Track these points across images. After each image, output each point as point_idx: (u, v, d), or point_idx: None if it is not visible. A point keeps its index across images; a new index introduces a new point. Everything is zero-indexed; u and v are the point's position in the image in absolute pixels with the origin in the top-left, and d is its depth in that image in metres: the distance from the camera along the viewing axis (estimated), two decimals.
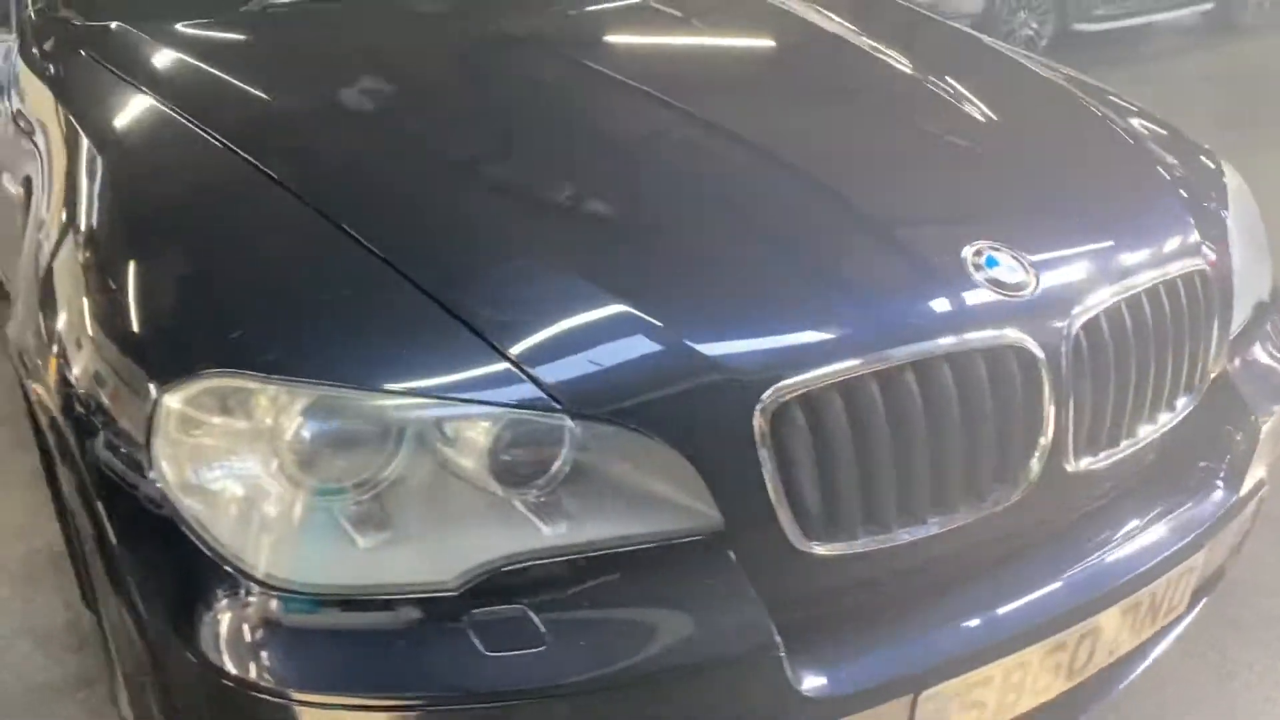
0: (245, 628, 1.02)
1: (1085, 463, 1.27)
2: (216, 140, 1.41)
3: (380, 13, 1.94)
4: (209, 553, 1.03)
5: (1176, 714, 1.77)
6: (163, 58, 1.71)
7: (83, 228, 1.33)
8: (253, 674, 1.01)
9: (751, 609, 1.08)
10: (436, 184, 1.36)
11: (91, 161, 1.44)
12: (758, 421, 1.08)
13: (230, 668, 1.01)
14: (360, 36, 1.84)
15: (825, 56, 1.93)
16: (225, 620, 1.02)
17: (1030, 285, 1.24)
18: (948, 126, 1.61)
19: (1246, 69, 7.28)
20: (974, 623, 1.20)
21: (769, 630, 1.08)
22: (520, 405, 1.04)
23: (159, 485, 1.05)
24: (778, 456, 1.09)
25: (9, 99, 1.88)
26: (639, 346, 1.11)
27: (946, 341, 1.16)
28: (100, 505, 1.14)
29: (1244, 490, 1.44)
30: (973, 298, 1.20)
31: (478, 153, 1.46)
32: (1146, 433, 1.34)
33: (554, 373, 1.06)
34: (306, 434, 1.02)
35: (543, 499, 1.05)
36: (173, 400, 1.05)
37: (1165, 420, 1.36)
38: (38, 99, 1.73)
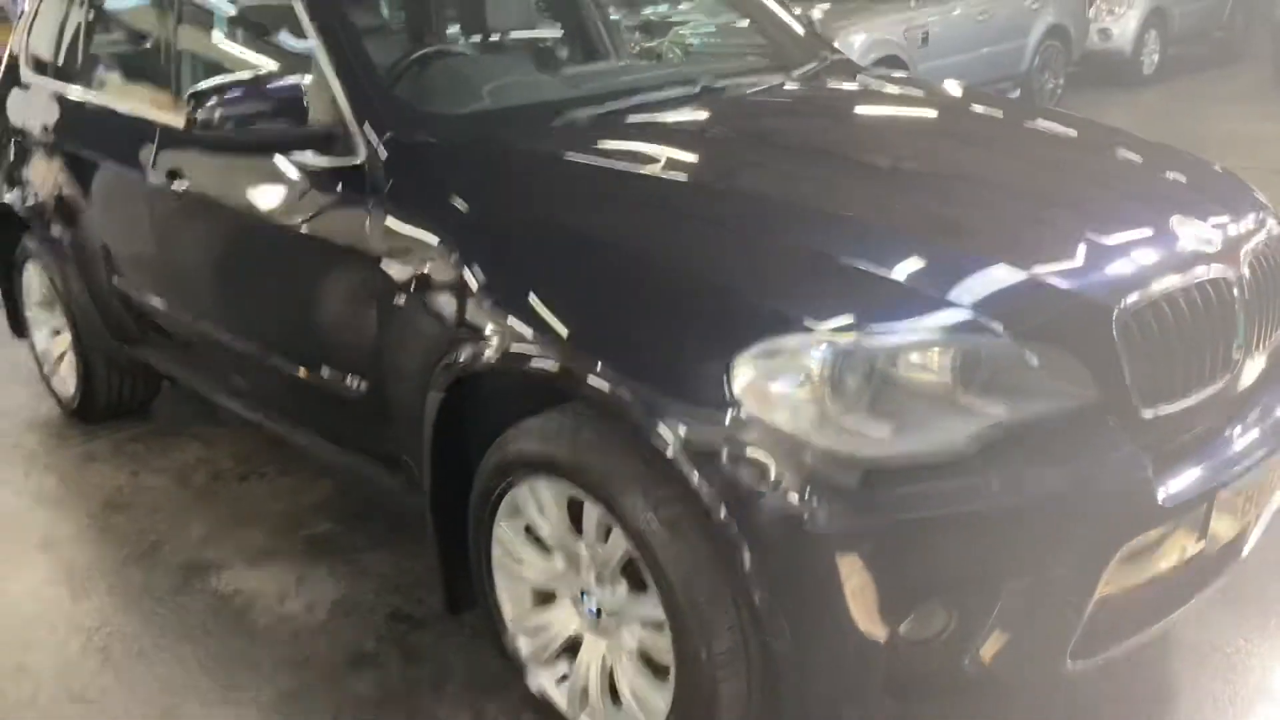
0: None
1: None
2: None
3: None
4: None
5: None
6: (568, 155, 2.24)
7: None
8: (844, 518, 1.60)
9: (1130, 448, 1.70)
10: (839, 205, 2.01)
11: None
12: (1115, 329, 1.72)
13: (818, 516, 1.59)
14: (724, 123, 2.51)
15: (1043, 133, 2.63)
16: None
17: (1217, 240, 1.93)
18: (1124, 173, 2.34)
19: None
20: (1237, 451, 1.86)
21: (1145, 462, 1.70)
22: (966, 330, 1.67)
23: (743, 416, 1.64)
24: (1127, 350, 1.73)
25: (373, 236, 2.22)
26: (1029, 288, 1.74)
27: (1196, 273, 1.84)
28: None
29: None
30: (1194, 248, 1.89)
31: (838, 187, 2.11)
32: None
33: (986, 310, 1.69)
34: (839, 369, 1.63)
35: (984, 395, 1.66)
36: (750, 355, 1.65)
37: None
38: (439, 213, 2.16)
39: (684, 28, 6.20)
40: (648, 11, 8.33)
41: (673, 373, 1.73)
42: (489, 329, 1.98)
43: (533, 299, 1.92)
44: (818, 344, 1.63)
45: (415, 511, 2.40)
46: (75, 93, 3.48)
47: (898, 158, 2.28)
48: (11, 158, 3.83)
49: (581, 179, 2.16)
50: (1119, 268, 1.82)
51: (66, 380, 3.81)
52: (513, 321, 1.94)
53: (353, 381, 2.40)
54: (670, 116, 2.47)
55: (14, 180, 3.81)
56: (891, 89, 2.88)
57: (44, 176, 3.60)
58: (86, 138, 3.36)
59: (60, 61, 3.60)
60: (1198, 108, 8.98)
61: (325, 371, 2.47)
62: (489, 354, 1.97)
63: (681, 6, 8.29)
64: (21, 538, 3.09)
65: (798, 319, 1.66)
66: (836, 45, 3.44)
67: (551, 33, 3.44)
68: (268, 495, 3.24)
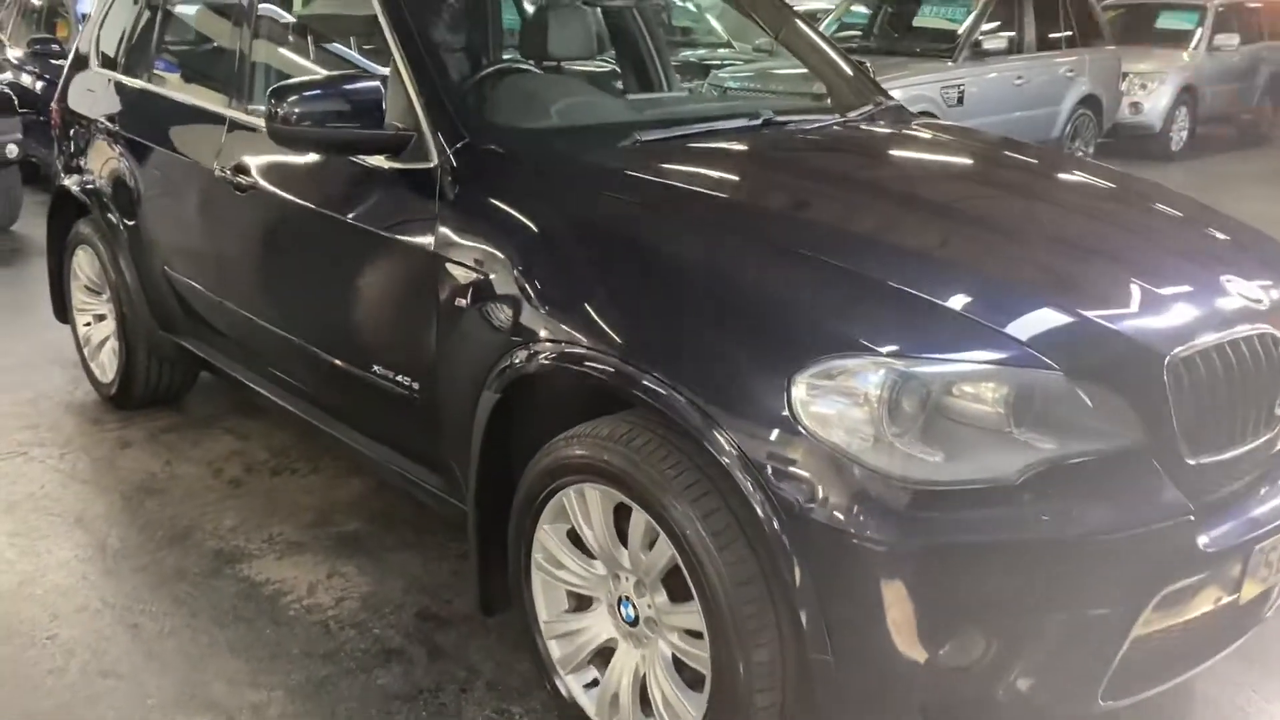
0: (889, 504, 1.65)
1: None
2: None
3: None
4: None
5: None
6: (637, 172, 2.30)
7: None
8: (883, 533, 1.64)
9: (1174, 493, 1.74)
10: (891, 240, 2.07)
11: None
12: (1166, 374, 1.77)
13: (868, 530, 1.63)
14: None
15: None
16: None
17: (1263, 299, 1.99)
18: (1176, 227, 2.40)
19: None
20: (1273, 509, 1.89)
21: (1188, 507, 1.74)
22: (1022, 364, 1.72)
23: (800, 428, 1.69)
24: (1176, 397, 1.77)
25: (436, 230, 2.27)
26: (1084, 328, 1.79)
27: (1241, 329, 1.89)
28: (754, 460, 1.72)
29: None
30: (1241, 304, 1.94)
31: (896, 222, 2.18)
32: None
33: (1041, 346, 1.74)
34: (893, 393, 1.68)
35: (1036, 428, 1.70)
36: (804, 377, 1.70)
37: None
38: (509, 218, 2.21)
39: (748, 68, 6.30)
40: (723, 52, 8.53)
41: (731, 385, 1.78)
42: (547, 334, 2.04)
43: (592, 306, 1.99)
44: (876, 367, 1.68)
45: (450, 515, 2.46)
46: (143, 84, 3.58)
47: (955, 198, 2.35)
48: (74, 145, 3.92)
49: (646, 196, 2.23)
50: (1172, 316, 1.88)
51: (106, 366, 3.87)
52: (570, 327, 2.00)
53: (404, 380, 2.45)
54: (734, 145, 2.54)
55: (74, 167, 3.91)
56: (946, 135, 2.96)
57: (105, 163, 3.69)
58: (151, 127, 3.45)
59: (129, 57, 3.70)
60: (1224, 186, 9.08)
61: (377, 369, 2.53)
62: (545, 356, 2.03)
63: (742, 47, 8.49)
64: (55, 513, 3.14)
65: (858, 341, 1.71)
66: None
67: (612, 63, 3.54)
68: (300, 490, 3.29)
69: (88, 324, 3.99)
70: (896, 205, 2.26)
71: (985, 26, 8.35)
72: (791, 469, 1.69)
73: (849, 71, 3.17)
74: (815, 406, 1.69)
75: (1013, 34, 8.56)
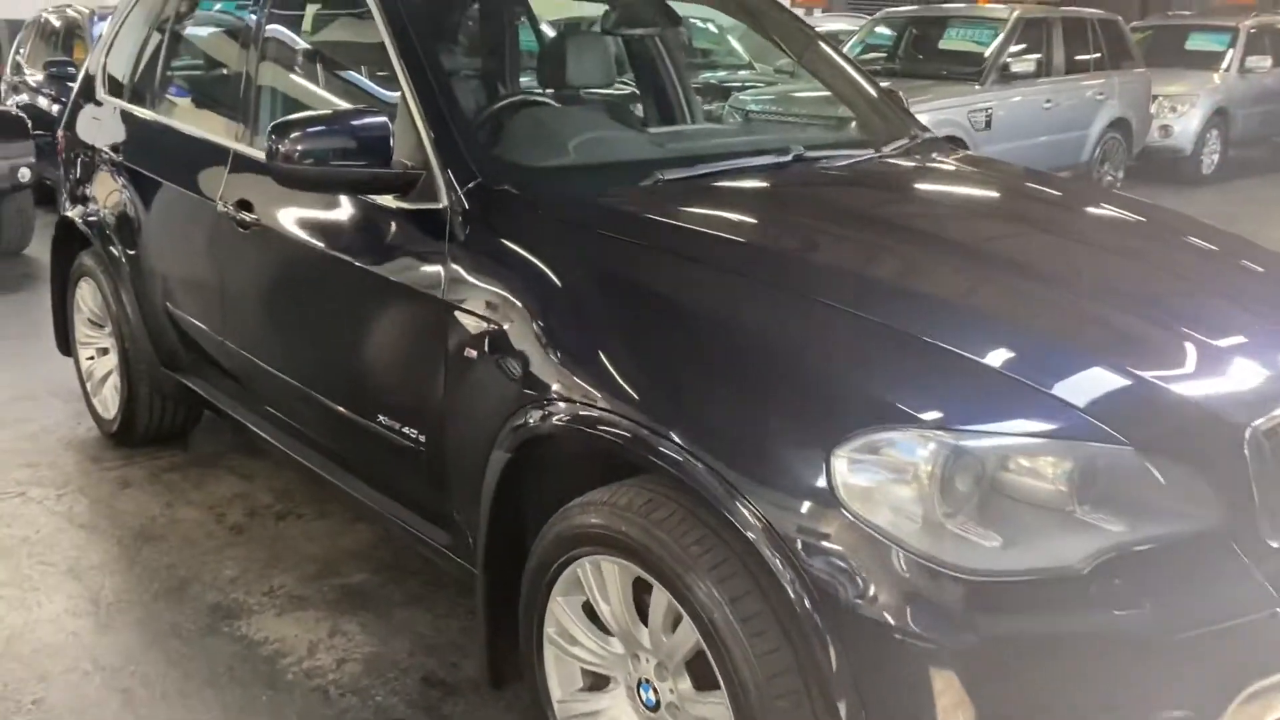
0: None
1: None
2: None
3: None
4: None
5: None
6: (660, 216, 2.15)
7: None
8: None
9: (1258, 580, 1.56)
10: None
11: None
12: (1247, 448, 1.59)
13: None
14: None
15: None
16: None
17: None
18: (1252, 282, 2.21)
19: None
20: None
21: (1273, 595, 1.56)
22: (1086, 436, 1.55)
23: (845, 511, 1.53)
24: (1258, 472, 1.60)
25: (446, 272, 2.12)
26: (1154, 396, 1.63)
27: None
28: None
29: None
30: None
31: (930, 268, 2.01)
32: None
33: (1106, 416, 1.57)
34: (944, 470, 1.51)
35: (1103, 509, 1.53)
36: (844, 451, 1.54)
37: None
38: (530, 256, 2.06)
39: (770, 91, 6.14)
40: (744, 74, 8.38)
41: (762, 454, 1.62)
42: (561, 390, 1.89)
43: (609, 362, 1.84)
44: (925, 440, 1.52)
45: (458, 572, 2.30)
46: (148, 114, 3.47)
47: (1004, 245, 2.18)
48: (79, 174, 3.81)
49: (668, 242, 2.07)
50: (1248, 379, 1.71)
51: (108, 402, 3.75)
52: (586, 383, 1.85)
53: (411, 432, 2.30)
54: (762, 184, 2.39)
55: (79, 196, 3.79)
56: (986, 172, 2.79)
57: (108, 194, 3.58)
58: (155, 159, 3.33)
59: (136, 83, 3.59)
60: (1257, 210, 8.86)
61: (381, 419, 2.38)
62: (558, 416, 1.88)
63: (764, 68, 8.35)
64: (49, 561, 3.00)
65: (904, 411, 1.55)
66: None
67: (631, 91, 3.39)
68: (303, 537, 3.14)
69: (90, 358, 3.87)
70: (942, 253, 2.09)
71: (1013, 49, 8.19)
72: (830, 551, 1.53)
73: (882, 101, 3.01)
74: (857, 482, 1.53)
75: (1041, 56, 8.40)
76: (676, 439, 1.69)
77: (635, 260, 2.01)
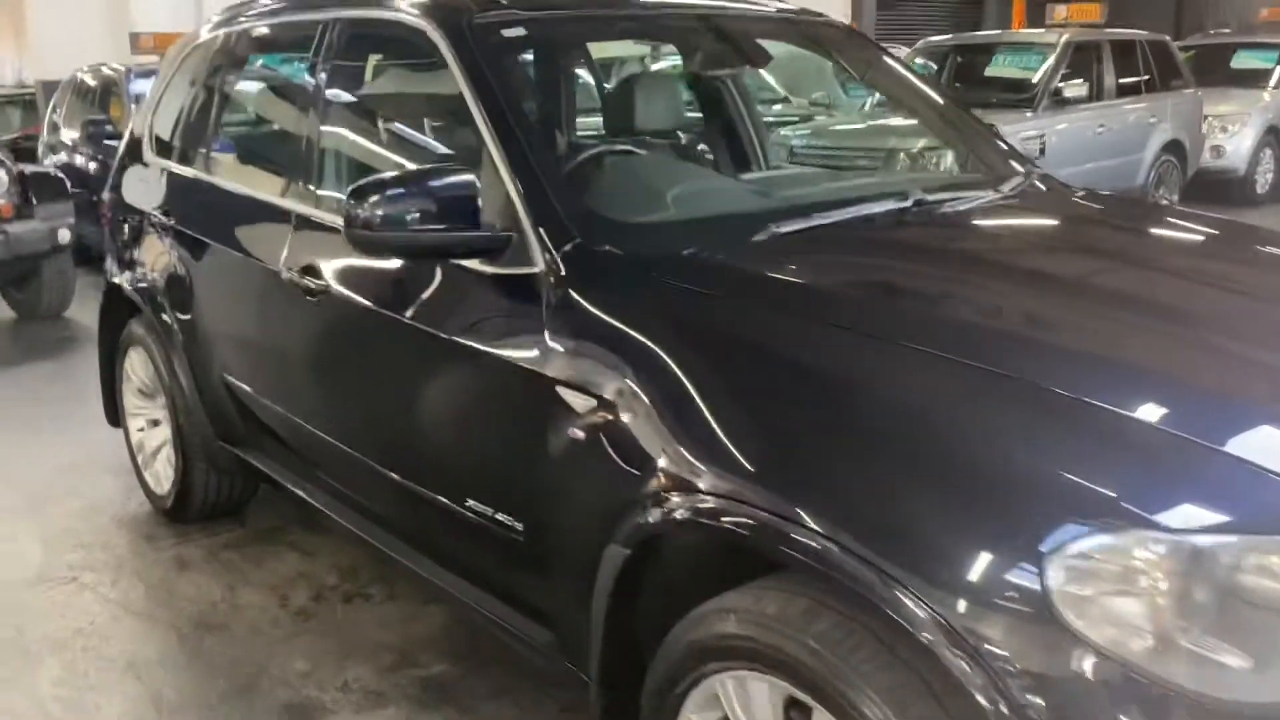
0: None
1: None
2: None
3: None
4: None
5: None
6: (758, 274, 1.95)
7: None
8: None
9: None
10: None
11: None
12: None
13: None
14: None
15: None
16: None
17: None
18: None
19: None
20: None
21: None
22: None
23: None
24: None
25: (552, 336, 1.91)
26: None
27: None
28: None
29: None
30: None
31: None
32: None
33: None
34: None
35: None
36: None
37: None
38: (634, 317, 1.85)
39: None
40: (777, 109, 8.19)
41: (953, 562, 1.38)
42: (688, 479, 1.67)
43: (747, 449, 1.62)
44: (1155, 543, 1.29)
45: (561, 674, 2.07)
46: (201, 175, 3.30)
47: (1185, 296, 1.94)
48: (126, 238, 3.66)
49: (801, 305, 1.85)
50: None
51: (161, 476, 3.56)
52: (715, 469, 1.63)
53: (506, 519, 2.09)
54: (890, 234, 2.17)
55: (126, 261, 3.63)
56: (1123, 208, 2.55)
57: (159, 259, 3.41)
58: (209, 222, 3.16)
59: (186, 144, 3.43)
60: None
61: (472, 503, 2.17)
62: (684, 510, 1.66)
63: (799, 101, 8.16)
64: (106, 655, 2.80)
65: (1129, 510, 1.32)
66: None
67: (700, 134, 3.19)
68: (375, 622, 2.92)
69: (141, 429, 3.69)
70: (1119, 310, 1.85)
71: (1063, 73, 7.98)
72: (1044, 676, 1.30)
73: (984, 136, 2.80)
74: (1073, 590, 1.30)
75: (1091, 80, 8.18)
76: (846, 542, 1.45)
77: (764, 327, 1.79)
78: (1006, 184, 2.51)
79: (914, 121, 2.99)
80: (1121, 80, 8.53)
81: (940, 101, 2.95)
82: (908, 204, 2.25)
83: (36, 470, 4.06)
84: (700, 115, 3.20)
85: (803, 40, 3.10)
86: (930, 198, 2.30)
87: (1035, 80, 7.93)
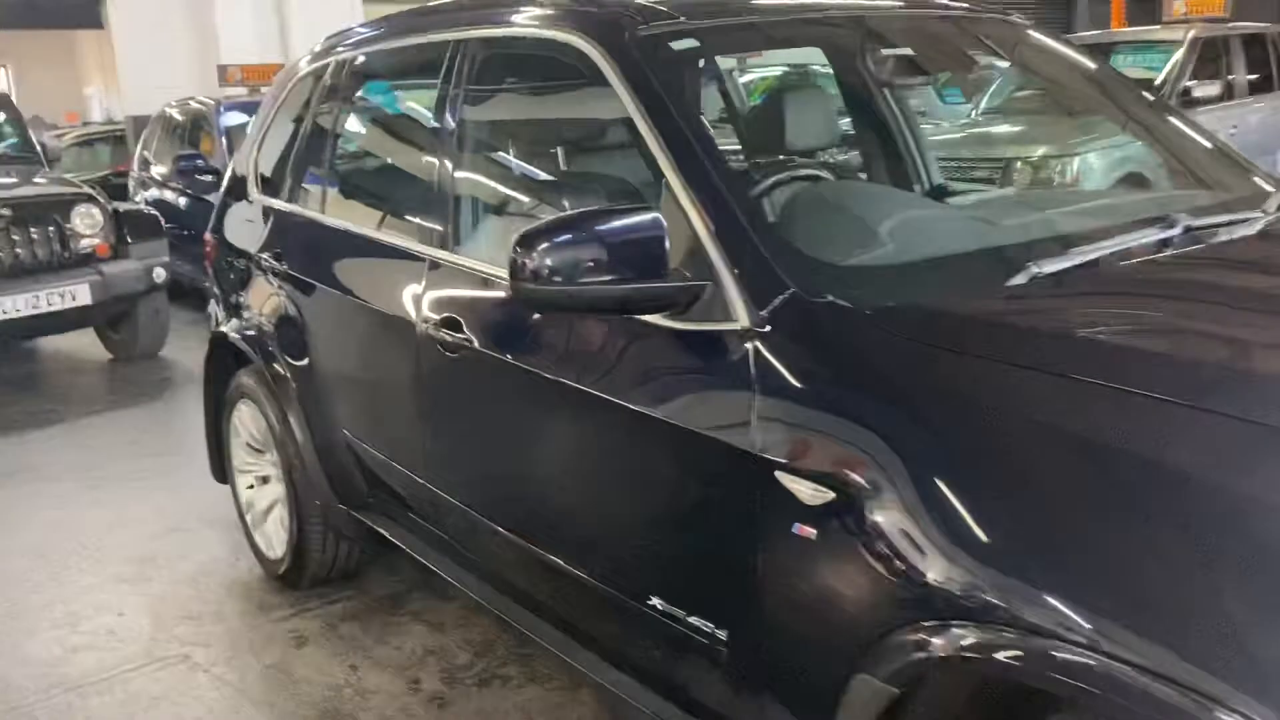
0: None
1: None
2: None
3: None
4: None
5: None
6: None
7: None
8: None
9: None
10: None
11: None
12: None
13: None
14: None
15: None
16: None
17: None
18: None
19: None
20: None
21: None
22: None
23: None
24: None
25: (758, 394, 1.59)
26: None
27: None
28: None
29: None
30: None
31: None
32: None
33: None
34: None
35: None
36: None
37: None
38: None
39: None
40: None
41: None
42: (962, 598, 1.32)
43: (1042, 556, 1.27)
44: None
45: None
46: (315, 215, 3.04)
47: None
48: (232, 282, 3.42)
49: (1097, 369, 1.43)
50: None
51: (273, 539, 3.30)
52: (1003, 591, 1.28)
53: (703, 625, 1.75)
54: (1178, 271, 1.79)
55: (233, 308, 3.40)
56: None
57: (269, 305, 3.16)
58: (327, 266, 2.89)
59: (295, 182, 3.18)
60: None
61: (658, 601, 1.84)
62: (966, 645, 1.30)
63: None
64: None
65: None
66: None
67: (877, 152, 2.82)
68: (517, 710, 2.61)
69: (250, 486, 3.44)
70: None
71: (1190, 71, 7.45)
72: None
73: (1220, 147, 2.39)
74: None
75: (1220, 78, 7.63)
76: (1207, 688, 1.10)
77: (1048, 396, 1.42)
78: (1270, 203, 2.10)
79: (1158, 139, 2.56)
80: (1251, 77, 7.97)
81: (1173, 116, 2.55)
82: (1176, 231, 1.85)
83: (141, 529, 3.84)
84: (868, 131, 2.83)
85: (1001, 45, 2.72)
86: (1198, 222, 1.91)
87: (1160, 81, 7.41)
